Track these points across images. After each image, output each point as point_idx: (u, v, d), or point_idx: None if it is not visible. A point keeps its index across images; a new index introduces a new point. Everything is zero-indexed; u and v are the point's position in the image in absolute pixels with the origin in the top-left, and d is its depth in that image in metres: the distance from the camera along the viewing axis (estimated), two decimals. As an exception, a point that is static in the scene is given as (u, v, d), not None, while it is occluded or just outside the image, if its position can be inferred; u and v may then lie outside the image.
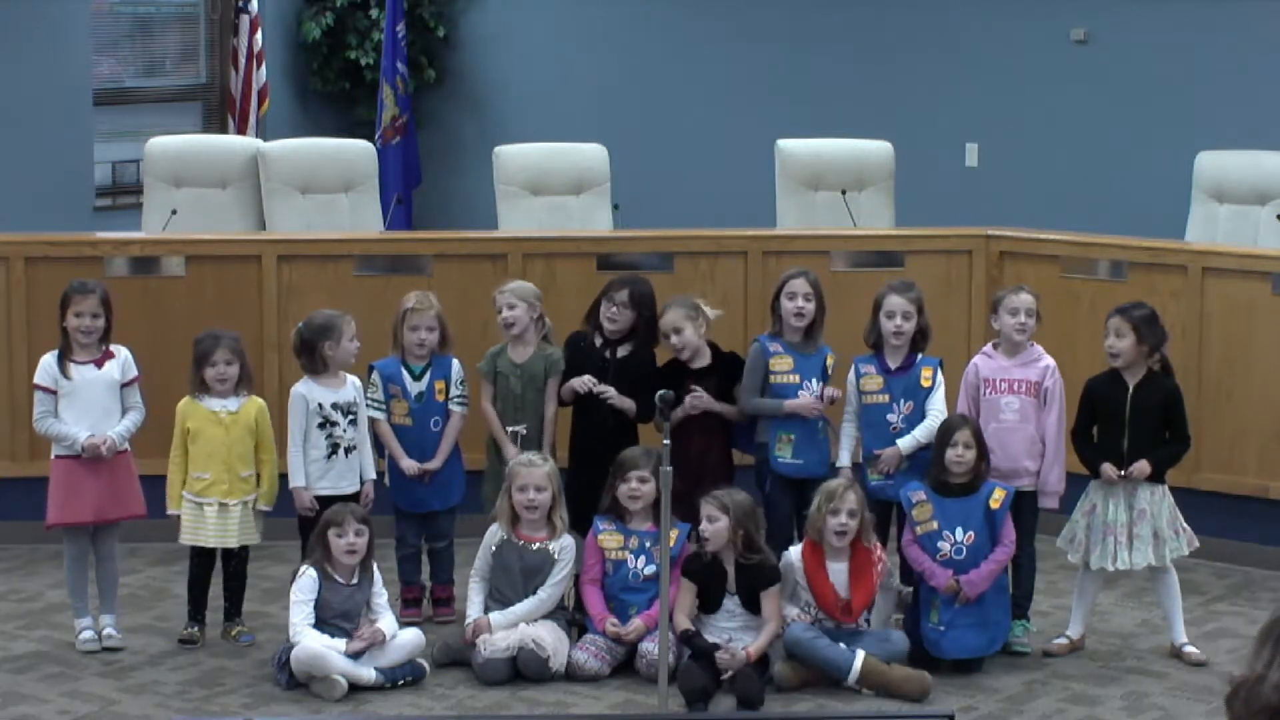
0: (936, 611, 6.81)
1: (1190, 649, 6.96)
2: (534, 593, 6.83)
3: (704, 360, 7.31)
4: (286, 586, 6.75)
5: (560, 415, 7.41)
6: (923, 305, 7.14)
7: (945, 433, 6.88)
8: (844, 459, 7.19)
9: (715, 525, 6.68)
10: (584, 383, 7.26)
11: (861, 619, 6.71)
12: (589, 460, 7.17)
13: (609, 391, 7.24)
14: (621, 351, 7.35)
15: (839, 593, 6.71)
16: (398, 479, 7.29)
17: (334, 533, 6.67)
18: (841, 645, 6.62)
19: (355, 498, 7.04)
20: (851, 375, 7.19)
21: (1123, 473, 6.88)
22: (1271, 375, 7.94)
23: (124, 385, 7.04)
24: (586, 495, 7.07)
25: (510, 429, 7.30)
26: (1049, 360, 7.07)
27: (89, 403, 6.98)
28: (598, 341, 7.36)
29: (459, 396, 7.33)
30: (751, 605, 6.73)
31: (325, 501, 6.96)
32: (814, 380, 7.19)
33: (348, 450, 7.09)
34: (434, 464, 7.27)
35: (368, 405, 7.21)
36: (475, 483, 7.42)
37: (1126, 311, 6.97)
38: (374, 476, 7.17)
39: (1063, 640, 7.04)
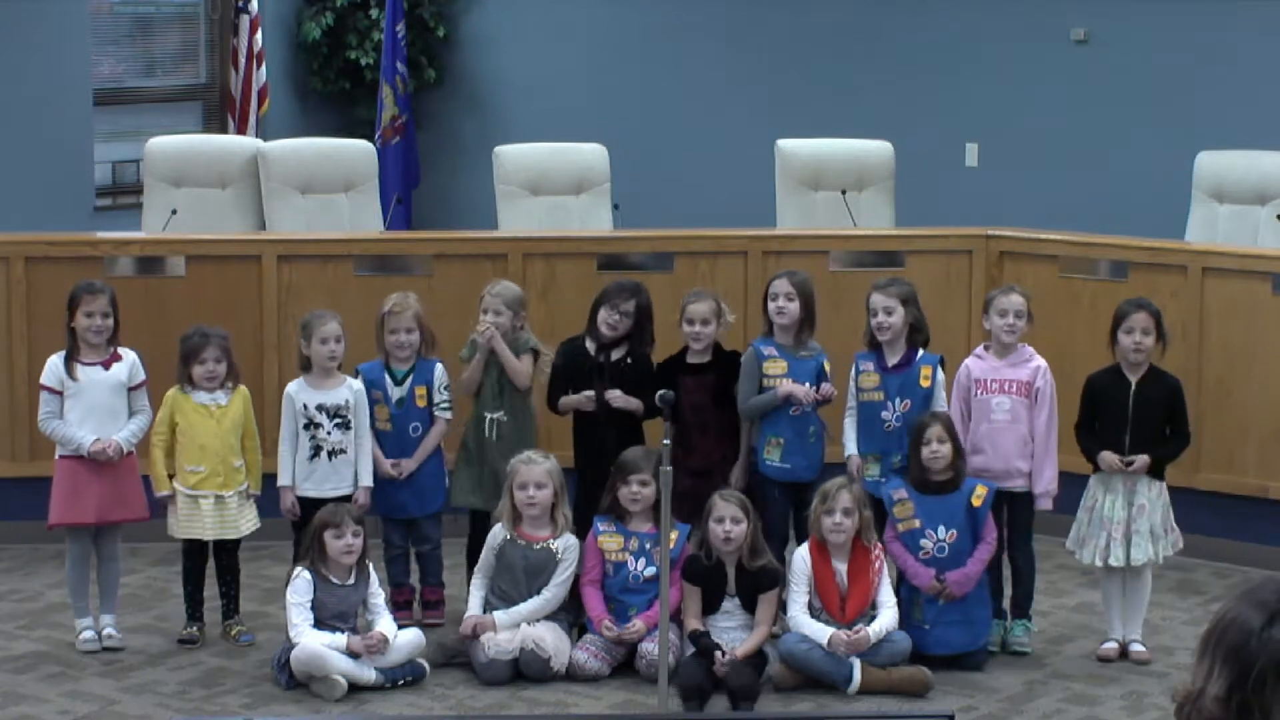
0: (920, 609, 6.82)
1: (1138, 647, 6.94)
2: (538, 592, 6.83)
3: (705, 357, 7.31)
4: (284, 587, 6.75)
5: (563, 420, 7.45)
6: (910, 299, 7.08)
7: (918, 431, 6.88)
8: (850, 448, 7.18)
9: (739, 527, 6.68)
10: (584, 401, 7.26)
11: (866, 626, 6.67)
12: (596, 464, 7.15)
13: (615, 394, 7.24)
14: (616, 355, 7.34)
15: (841, 593, 6.72)
16: (378, 483, 7.23)
17: (331, 534, 6.67)
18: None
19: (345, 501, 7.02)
20: (852, 371, 7.19)
21: (1125, 460, 6.86)
22: (1271, 375, 7.94)
23: (131, 389, 7.05)
24: (594, 500, 7.05)
25: (489, 416, 7.30)
26: (1040, 361, 7.06)
27: (95, 404, 6.98)
28: (591, 347, 7.35)
29: (444, 403, 7.30)
30: (751, 606, 6.74)
31: (307, 503, 6.97)
32: (806, 384, 7.18)
33: (331, 454, 7.08)
34: (409, 465, 7.24)
35: None
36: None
37: (1146, 307, 6.94)
38: (369, 483, 7.14)
39: (1111, 645, 6.97)
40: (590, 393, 7.26)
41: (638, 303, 7.31)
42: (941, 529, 6.82)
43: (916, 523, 6.84)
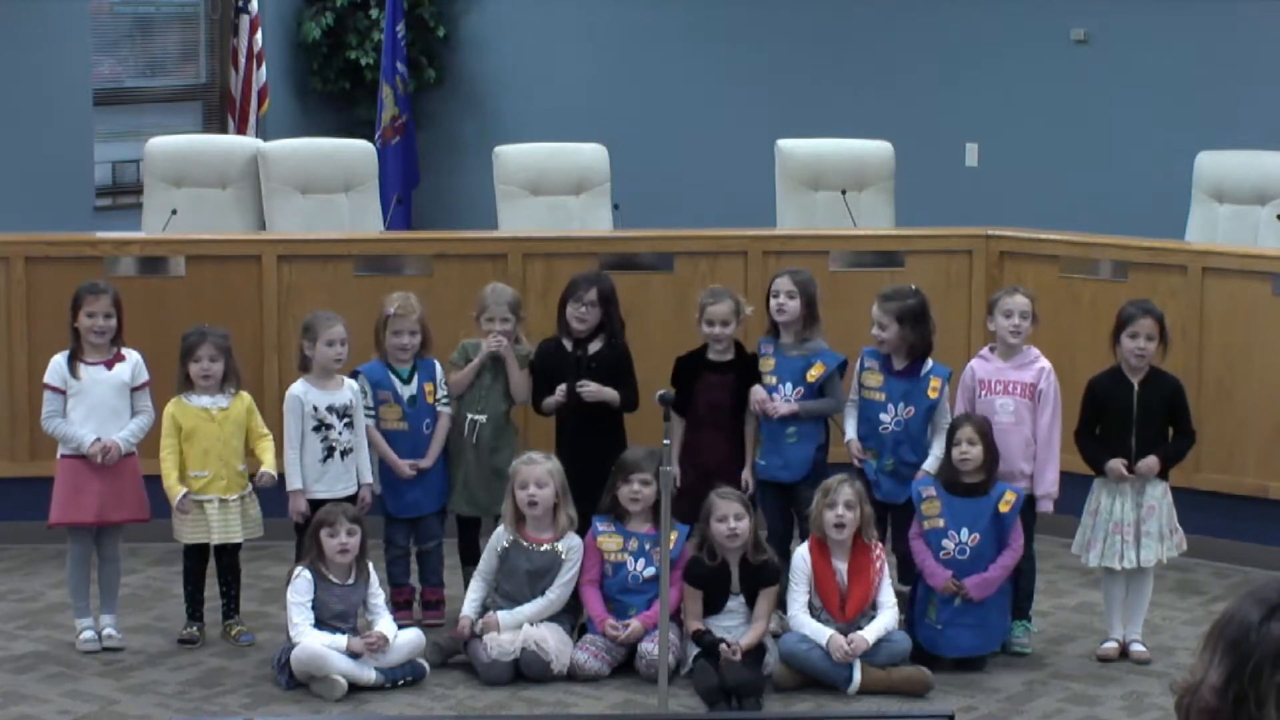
0: (934, 609, 6.81)
1: (1138, 647, 6.94)
2: (542, 594, 6.83)
3: (728, 355, 7.31)
4: (284, 587, 6.75)
5: (541, 422, 7.49)
6: (907, 315, 7.02)
7: (950, 431, 6.88)
8: (849, 433, 7.17)
9: (742, 522, 6.69)
10: (555, 400, 7.29)
11: (864, 630, 6.65)
12: (581, 460, 7.14)
13: (588, 386, 7.25)
14: (592, 348, 7.35)
15: (841, 592, 6.71)
16: (389, 484, 7.26)
17: (326, 533, 6.68)
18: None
19: (352, 500, 7.03)
20: (857, 366, 7.19)
21: (1132, 470, 6.86)
22: (1271, 375, 7.94)
23: (134, 389, 7.05)
24: (582, 494, 7.04)
25: (471, 417, 7.31)
26: (1045, 363, 7.05)
27: (97, 403, 6.98)
28: (567, 345, 7.36)
29: (444, 398, 7.32)
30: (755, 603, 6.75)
31: (321, 504, 6.96)
32: (788, 385, 7.17)
33: (343, 453, 7.08)
34: (426, 462, 7.26)
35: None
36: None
37: (1152, 312, 6.93)
38: (370, 480, 7.16)
39: (1111, 645, 6.96)
40: (563, 386, 7.27)
41: (599, 290, 7.32)
42: (965, 531, 6.79)
43: (941, 522, 6.82)
